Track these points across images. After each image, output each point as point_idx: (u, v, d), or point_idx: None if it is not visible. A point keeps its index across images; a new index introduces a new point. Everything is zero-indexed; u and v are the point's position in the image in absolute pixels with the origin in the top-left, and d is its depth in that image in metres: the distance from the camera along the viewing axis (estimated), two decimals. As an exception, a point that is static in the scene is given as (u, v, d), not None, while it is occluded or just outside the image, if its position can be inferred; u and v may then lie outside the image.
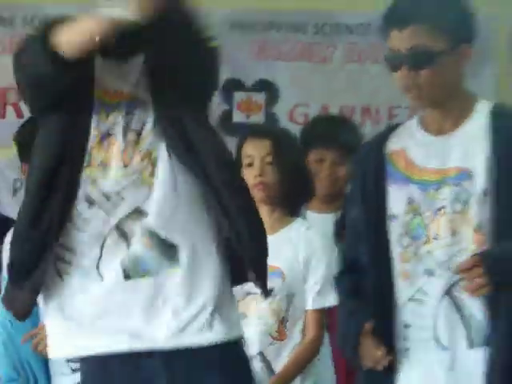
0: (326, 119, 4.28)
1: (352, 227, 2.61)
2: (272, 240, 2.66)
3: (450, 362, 2.41)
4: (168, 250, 2.09)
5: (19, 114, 4.85)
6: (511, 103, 4.62)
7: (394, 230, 2.45)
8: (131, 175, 2.10)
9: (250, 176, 3.26)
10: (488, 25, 4.63)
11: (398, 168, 2.51)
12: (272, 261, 2.66)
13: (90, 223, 2.10)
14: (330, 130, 3.97)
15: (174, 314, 2.10)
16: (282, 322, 3.31)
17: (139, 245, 2.13)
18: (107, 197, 2.13)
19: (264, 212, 3.16)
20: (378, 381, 2.45)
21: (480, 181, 2.39)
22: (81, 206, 2.10)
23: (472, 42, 2.44)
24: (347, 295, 2.58)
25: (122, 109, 2.12)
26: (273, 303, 3.26)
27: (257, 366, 3.26)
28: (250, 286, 2.46)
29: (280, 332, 3.32)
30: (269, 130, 3.69)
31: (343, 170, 3.71)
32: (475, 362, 2.37)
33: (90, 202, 2.11)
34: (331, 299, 3.16)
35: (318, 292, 3.27)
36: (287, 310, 3.28)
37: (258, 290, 2.42)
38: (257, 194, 3.20)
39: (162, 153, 2.10)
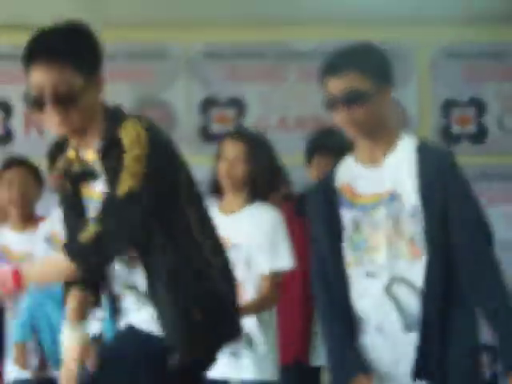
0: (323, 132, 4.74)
1: (317, 244, 2.91)
2: (234, 217, 3.59)
3: (391, 343, 2.73)
4: None
5: None
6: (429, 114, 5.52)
7: (345, 245, 2.83)
8: None
9: (222, 168, 3.74)
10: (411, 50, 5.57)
11: (346, 198, 2.84)
12: (237, 235, 3.54)
13: None
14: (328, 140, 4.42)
15: None
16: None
17: None
18: None
19: (231, 196, 3.74)
20: None
21: (408, 201, 2.73)
22: None
23: (391, 83, 2.76)
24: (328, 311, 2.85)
25: None
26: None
27: None
28: None
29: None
30: (244, 135, 4.00)
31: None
32: (410, 344, 2.68)
33: None
34: (285, 263, 3.65)
35: (272, 258, 3.65)
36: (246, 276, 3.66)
37: None
38: (224, 182, 3.74)
39: None
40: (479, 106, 5.65)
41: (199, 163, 3.59)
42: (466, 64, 5.60)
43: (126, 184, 2.47)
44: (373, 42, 2.85)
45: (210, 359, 2.71)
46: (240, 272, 3.46)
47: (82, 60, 2.51)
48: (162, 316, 2.58)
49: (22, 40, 2.69)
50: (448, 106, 5.60)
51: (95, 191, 2.62)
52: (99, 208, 2.50)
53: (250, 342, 3.69)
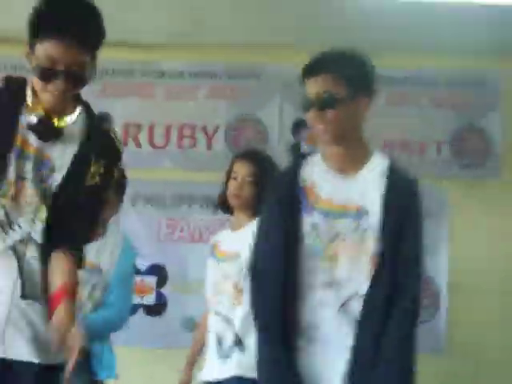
0: None
1: (261, 247, 2.82)
2: (239, 233, 3.72)
3: (337, 356, 2.63)
4: None
5: (138, 145, 5.84)
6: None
7: (303, 251, 2.71)
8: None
9: (231, 187, 3.86)
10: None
11: (308, 200, 2.74)
12: (237, 247, 3.69)
13: None
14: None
15: None
16: (240, 291, 3.78)
17: None
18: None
19: (236, 213, 3.87)
20: None
21: (374, 218, 2.66)
22: None
23: (370, 96, 2.68)
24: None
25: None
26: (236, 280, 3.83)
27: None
28: None
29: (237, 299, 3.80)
30: (255, 155, 4.11)
31: None
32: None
33: None
34: None
35: None
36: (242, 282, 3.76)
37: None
38: (232, 201, 3.85)
39: None
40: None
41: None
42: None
43: None
44: (358, 50, 2.76)
45: None
46: (242, 280, 3.72)
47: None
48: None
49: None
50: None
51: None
52: None
53: (239, 342, 3.80)
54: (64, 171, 2.58)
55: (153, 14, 5.37)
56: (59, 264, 2.61)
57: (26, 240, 2.57)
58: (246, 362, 3.73)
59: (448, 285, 5.78)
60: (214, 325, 3.89)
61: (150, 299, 5.73)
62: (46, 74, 2.48)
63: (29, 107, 2.58)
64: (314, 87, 2.63)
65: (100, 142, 2.65)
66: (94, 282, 4.03)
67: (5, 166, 2.50)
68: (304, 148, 5.79)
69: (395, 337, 2.63)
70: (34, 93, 2.57)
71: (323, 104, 2.61)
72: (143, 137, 5.83)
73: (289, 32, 5.51)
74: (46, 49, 2.42)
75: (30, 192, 2.58)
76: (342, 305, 2.66)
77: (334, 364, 2.65)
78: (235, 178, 3.88)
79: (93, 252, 3.87)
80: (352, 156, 2.71)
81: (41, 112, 2.56)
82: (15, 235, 2.57)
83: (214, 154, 5.87)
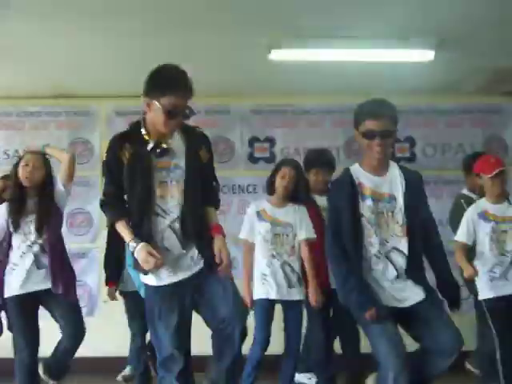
0: (314, 150, 5.86)
1: (336, 221, 3.65)
2: (284, 209, 5.08)
3: (389, 284, 3.61)
4: None
5: None
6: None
7: (363, 223, 3.62)
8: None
9: (281, 182, 5.10)
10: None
11: (363, 192, 3.64)
12: (287, 219, 5.05)
13: None
14: (320, 157, 5.64)
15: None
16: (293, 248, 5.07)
17: None
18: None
19: (282, 199, 5.10)
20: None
21: (399, 201, 3.62)
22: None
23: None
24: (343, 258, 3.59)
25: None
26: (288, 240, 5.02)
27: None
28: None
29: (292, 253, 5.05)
30: (293, 162, 5.28)
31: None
32: (399, 285, 3.62)
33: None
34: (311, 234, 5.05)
35: (303, 232, 5.11)
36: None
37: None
38: (281, 192, 5.09)
39: None
40: None
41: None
42: None
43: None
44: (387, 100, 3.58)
45: None
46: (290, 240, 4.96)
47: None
48: None
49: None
50: None
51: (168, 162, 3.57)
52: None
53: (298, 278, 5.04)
54: (183, 165, 3.57)
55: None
56: (211, 211, 3.67)
57: (176, 219, 3.56)
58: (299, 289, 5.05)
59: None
60: (274, 263, 5.10)
61: None
62: (173, 113, 3.48)
63: (144, 139, 3.60)
64: (378, 125, 3.53)
65: (196, 136, 3.66)
66: None
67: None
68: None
69: (439, 242, 3.78)
70: (146, 129, 3.58)
71: (385, 136, 3.55)
72: None
73: (241, 84, 7.12)
74: (170, 99, 3.45)
75: (171, 189, 3.60)
76: (386, 256, 3.63)
77: (387, 289, 3.61)
78: (283, 177, 5.16)
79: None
80: (382, 165, 3.68)
81: (154, 140, 3.59)
82: (170, 218, 3.60)
83: None
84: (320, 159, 5.55)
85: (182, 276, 3.59)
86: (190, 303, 3.60)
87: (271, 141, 7.86)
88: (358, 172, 3.67)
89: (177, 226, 3.54)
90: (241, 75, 6.90)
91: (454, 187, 7.10)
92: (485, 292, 5.11)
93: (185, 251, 3.58)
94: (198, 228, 3.55)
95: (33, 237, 4.94)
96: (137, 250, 3.51)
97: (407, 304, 3.60)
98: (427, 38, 6.16)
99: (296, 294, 5.07)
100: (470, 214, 5.26)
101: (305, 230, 5.11)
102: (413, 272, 3.59)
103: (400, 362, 3.38)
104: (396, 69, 6.67)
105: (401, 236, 3.62)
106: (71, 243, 6.69)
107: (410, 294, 3.61)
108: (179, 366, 3.58)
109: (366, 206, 3.61)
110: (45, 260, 4.94)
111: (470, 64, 6.76)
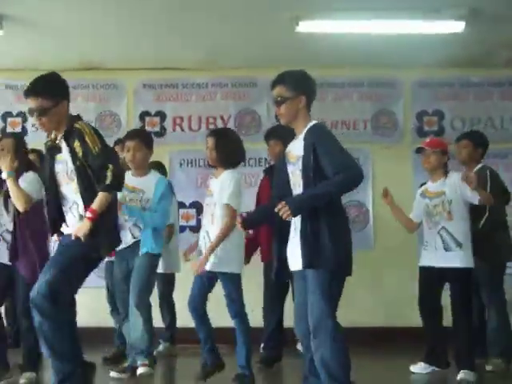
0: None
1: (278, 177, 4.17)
2: (218, 179, 5.03)
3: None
4: None
5: (182, 129, 7.78)
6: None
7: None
8: None
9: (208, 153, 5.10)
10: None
11: (287, 158, 4.10)
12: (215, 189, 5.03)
13: None
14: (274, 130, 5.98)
15: None
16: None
17: None
18: None
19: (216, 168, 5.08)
20: None
21: (300, 162, 3.89)
22: None
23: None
24: None
25: None
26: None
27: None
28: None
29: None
30: (214, 132, 5.36)
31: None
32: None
33: None
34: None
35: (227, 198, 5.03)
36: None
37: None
38: (211, 161, 5.12)
39: None
40: None
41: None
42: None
43: (96, 146, 4.07)
44: None
45: None
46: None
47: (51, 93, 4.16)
48: None
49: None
50: None
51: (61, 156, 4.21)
52: (96, 163, 4.04)
53: None
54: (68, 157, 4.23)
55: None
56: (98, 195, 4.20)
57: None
58: None
59: (373, 207, 7.74)
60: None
61: (192, 223, 7.72)
62: (31, 115, 4.49)
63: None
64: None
65: (70, 133, 4.23)
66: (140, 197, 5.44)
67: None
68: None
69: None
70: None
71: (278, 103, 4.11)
72: (185, 124, 7.78)
73: (269, 56, 7.21)
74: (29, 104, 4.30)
75: (62, 179, 4.36)
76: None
77: None
78: (207, 148, 5.23)
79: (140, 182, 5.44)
80: (301, 128, 4.03)
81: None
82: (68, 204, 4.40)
83: None
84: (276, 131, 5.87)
85: None
86: None
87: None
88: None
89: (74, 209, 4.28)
90: (268, 47, 7.00)
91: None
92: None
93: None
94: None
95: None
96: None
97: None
98: (457, 9, 6.20)
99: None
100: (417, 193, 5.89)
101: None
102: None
103: None
104: (425, 41, 6.74)
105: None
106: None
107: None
108: None
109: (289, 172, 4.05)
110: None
111: (500, 36, 6.87)
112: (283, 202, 3.69)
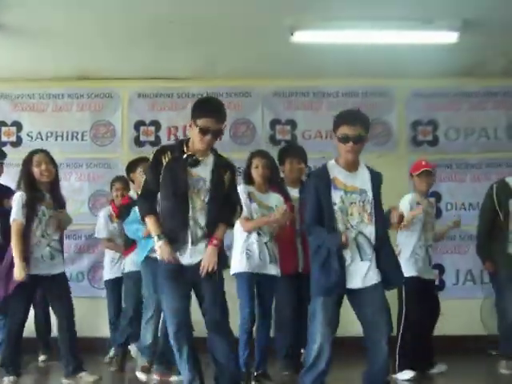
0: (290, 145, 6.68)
1: (313, 206, 4.27)
2: (266, 195, 5.49)
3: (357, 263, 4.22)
4: None
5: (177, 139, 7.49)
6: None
7: (336, 210, 4.25)
8: None
9: (257, 172, 5.48)
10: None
11: (336, 185, 4.26)
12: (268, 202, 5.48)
13: None
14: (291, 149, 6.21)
15: None
16: None
17: None
18: None
19: (263, 185, 5.48)
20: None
21: (369, 194, 4.27)
22: None
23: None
24: (320, 232, 4.21)
25: None
26: None
27: None
28: None
29: None
30: (266, 153, 5.69)
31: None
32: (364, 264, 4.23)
33: None
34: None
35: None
36: None
37: None
38: (259, 179, 5.47)
39: None
40: None
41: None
42: None
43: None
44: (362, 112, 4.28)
45: None
46: None
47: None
48: None
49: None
50: None
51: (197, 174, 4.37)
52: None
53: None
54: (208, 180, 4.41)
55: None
56: (219, 226, 4.47)
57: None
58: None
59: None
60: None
61: None
62: (205, 132, 4.36)
63: (183, 151, 4.44)
64: (352, 131, 4.22)
65: (223, 163, 4.50)
66: None
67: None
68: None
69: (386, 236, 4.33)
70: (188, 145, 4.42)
71: (357, 141, 4.24)
72: (180, 134, 7.70)
73: (264, 66, 7.31)
74: (205, 121, 4.33)
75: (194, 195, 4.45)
76: (355, 238, 4.26)
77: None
78: (257, 167, 5.57)
79: None
80: (355, 164, 4.36)
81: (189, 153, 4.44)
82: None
83: (223, 143, 6.72)
84: (293, 151, 6.12)
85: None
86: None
87: (293, 123, 7.95)
88: (333, 168, 4.33)
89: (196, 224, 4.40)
90: (263, 57, 7.05)
91: (476, 171, 7.36)
92: None
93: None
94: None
95: None
96: (158, 244, 4.38)
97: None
98: (451, 19, 6.22)
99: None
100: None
101: None
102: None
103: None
104: (419, 51, 6.79)
105: (368, 223, 4.26)
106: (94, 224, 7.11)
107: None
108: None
109: (338, 196, 4.26)
110: None
111: (493, 46, 6.91)
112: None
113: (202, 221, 4.38)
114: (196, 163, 4.39)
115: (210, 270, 4.32)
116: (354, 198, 4.26)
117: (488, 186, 6.42)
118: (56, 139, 7.83)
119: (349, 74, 7.49)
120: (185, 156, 4.38)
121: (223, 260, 4.51)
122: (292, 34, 6.38)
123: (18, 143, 7.86)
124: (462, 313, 7.25)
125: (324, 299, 4.19)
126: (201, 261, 4.37)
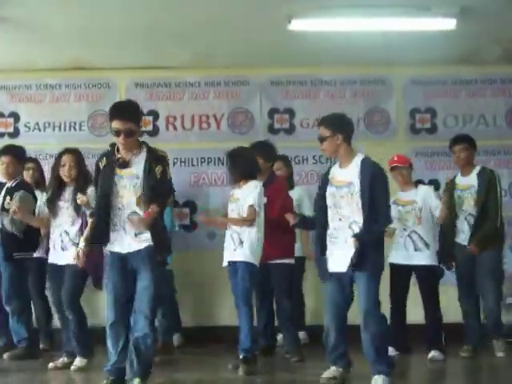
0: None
1: (318, 201, 5.01)
2: (244, 187, 5.70)
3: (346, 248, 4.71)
4: None
5: (174, 128, 7.78)
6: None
7: (328, 203, 4.88)
8: None
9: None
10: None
11: (332, 183, 4.88)
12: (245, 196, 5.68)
13: None
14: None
15: None
16: None
17: None
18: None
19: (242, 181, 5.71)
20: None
21: (356, 187, 4.73)
22: None
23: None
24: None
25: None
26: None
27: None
28: None
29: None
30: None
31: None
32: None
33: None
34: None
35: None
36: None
37: None
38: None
39: None
40: None
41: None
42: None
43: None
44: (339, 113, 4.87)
45: None
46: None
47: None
48: None
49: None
50: None
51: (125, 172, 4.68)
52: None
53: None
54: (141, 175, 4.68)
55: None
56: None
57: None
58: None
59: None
60: None
61: (186, 221, 7.79)
62: (117, 133, 4.66)
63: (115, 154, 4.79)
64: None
65: (154, 157, 4.72)
66: None
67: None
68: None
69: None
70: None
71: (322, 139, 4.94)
72: (178, 123, 7.80)
73: (261, 55, 7.34)
74: (115, 123, 4.65)
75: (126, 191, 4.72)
76: (348, 227, 4.80)
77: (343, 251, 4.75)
78: None
79: None
80: (346, 159, 4.88)
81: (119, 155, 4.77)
82: (120, 213, 4.74)
83: (221, 132, 7.85)
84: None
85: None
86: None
87: (291, 112, 7.96)
88: (333, 168, 5.00)
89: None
90: (260, 46, 7.07)
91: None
92: None
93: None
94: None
95: None
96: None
97: None
98: (449, 6, 6.21)
99: None
100: None
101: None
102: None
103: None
104: (417, 39, 6.79)
105: (358, 213, 4.75)
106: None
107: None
108: None
109: (329, 191, 4.90)
110: None
111: (491, 33, 6.91)
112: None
113: (133, 215, 4.68)
114: (124, 164, 4.71)
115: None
116: (344, 192, 4.78)
117: (487, 174, 6.42)
118: (53, 130, 7.83)
119: (347, 62, 7.50)
120: (116, 158, 4.71)
121: (165, 248, 4.81)
122: (289, 22, 6.39)
123: (15, 134, 7.86)
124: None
125: (324, 284, 4.90)
126: (139, 250, 4.70)
